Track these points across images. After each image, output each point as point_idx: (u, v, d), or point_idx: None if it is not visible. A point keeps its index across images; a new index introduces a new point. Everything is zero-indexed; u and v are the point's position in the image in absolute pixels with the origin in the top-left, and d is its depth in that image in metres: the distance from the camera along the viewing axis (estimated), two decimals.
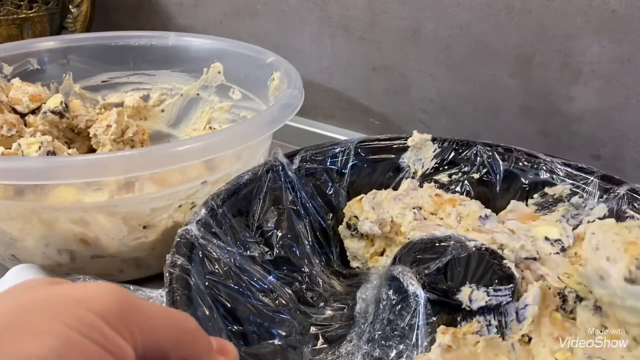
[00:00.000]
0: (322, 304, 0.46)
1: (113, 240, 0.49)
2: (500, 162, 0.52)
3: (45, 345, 0.22)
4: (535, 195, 0.51)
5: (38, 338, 0.22)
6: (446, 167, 0.54)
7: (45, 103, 0.63)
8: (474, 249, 0.41)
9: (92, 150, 0.65)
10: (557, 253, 0.46)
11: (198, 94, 0.73)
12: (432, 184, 0.53)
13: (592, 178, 0.48)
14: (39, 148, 0.54)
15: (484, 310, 0.38)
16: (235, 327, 0.38)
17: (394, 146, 0.54)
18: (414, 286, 0.39)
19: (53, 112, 0.62)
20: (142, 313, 0.25)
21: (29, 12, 0.80)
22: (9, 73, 0.67)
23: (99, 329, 0.23)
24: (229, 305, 0.39)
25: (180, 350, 0.27)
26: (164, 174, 0.49)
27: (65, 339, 0.22)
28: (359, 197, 0.51)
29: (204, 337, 0.28)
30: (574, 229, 0.47)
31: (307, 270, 0.46)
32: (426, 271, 0.40)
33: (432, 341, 0.37)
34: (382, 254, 0.49)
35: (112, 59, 0.72)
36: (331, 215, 0.51)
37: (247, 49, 0.68)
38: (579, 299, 0.41)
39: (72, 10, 0.84)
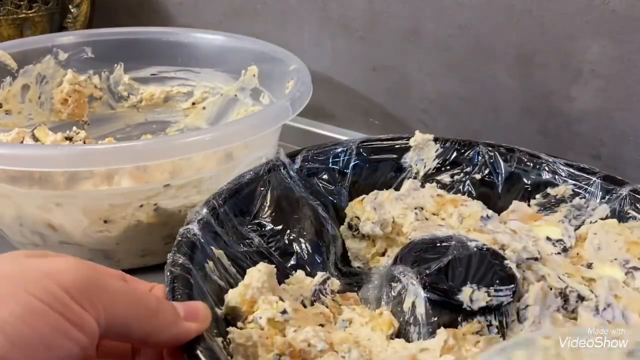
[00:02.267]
0: None
1: (76, 229, 0.51)
2: (503, 163, 0.52)
3: (7, 309, 0.24)
4: (538, 196, 0.51)
5: (2, 303, 0.24)
6: (448, 168, 0.53)
7: None
8: (475, 249, 0.41)
9: None
10: (559, 253, 0.46)
11: (236, 95, 0.74)
12: (434, 184, 0.53)
13: (594, 179, 0.48)
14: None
15: (484, 311, 0.38)
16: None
17: (396, 146, 0.54)
18: (414, 286, 0.39)
19: None
20: (107, 290, 0.27)
21: (29, 12, 0.80)
22: (63, 59, 0.72)
23: (62, 299, 0.25)
24: None
25: (142, 324, 0.29)
26: (142, 171, 0.51)
27: (27, 305, 0.24)
28: (360, 198, 0.51)
29: (168, 311, 0.31)
30: (576, 229, 0.47)
31: (308, 269, 0.46)
32: (427, 271, 0.40)
33: None
34: (383, 254, 0.49)
35: (163, 53, 0.75)
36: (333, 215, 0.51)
37: (281, 53, 0.69)
38: (581, 298, 0.41)
39: (72, 10, 0.84)
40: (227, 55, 0.73)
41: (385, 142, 0.54)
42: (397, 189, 0.52)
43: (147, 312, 0.29)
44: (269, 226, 0.46)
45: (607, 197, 0.47)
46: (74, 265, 0.27)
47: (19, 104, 0.69)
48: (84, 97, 0.73)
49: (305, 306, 0.41)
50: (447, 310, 0.39)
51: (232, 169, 0.53)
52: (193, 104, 0.76)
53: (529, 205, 0.51)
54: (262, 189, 0.48)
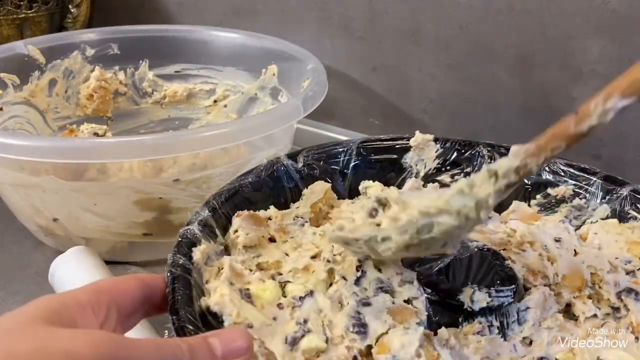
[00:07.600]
0: None
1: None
2: None
3: None
4: (538, 196, 0.51)
5: None
6: (448, 168, 0.53)
7: None
8: (475, 249, 0.41)
9: None
10: None
11: (256, 94, 0.75)
12: (436, 184, 0.52)
13: (594, 179, 0.48)
14: None
15: (485, 311, 0.38)
16: None
17: (397, 146, 0.54)
18: (415, 287, 0.39)
19: None
20: None
21: (29, 12, 0.80)
22: (90, 55, 0.74)
23: None
24: None
25: None
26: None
27: None
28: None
29: (203, 356, 0.29)
30: (576, 229, 0.47)
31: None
32: (428, 272, 0.40)
33: None
34: None
35: (186, 51, 0.77)
36: None
37: (299, 53, 0.69)
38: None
39: (72, 10, 0.84)
40: (248, 54, 0.74)
41: (385, 142, 0.54)
42: (398, 188, 0.52)
43: None
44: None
45: (607, 197, 0.47)
46: (94, 344, 0.26)
47: (46, 97, 0.71)
48: (109, 93, 0.74)
49: None
50: (448, 311, 0.39)
51: (241, 166, 0.54)
52: (215, 101, 0.78)
53: (529, 205, 0.51)
54: (262, 189, 0.48)
